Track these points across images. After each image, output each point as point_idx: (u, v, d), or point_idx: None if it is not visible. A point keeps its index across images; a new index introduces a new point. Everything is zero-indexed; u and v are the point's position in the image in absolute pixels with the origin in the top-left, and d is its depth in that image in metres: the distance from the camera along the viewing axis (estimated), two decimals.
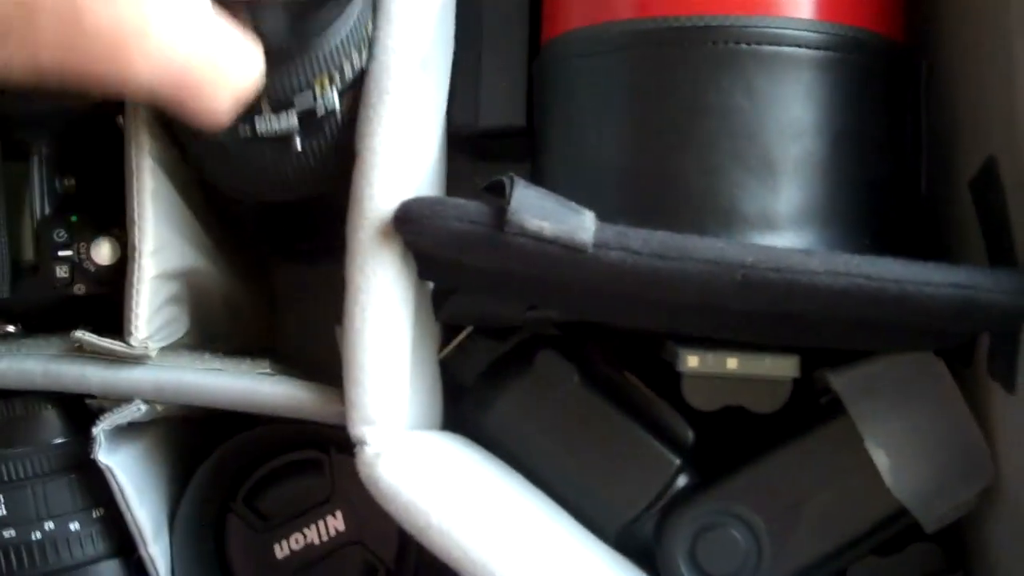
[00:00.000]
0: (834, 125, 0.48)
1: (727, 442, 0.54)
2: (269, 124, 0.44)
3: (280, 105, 0.44)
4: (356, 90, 0.46)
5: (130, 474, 0.48)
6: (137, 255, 0.47)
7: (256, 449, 0.52)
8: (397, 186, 0.44)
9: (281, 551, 0.52)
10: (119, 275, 0.49)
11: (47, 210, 0.50)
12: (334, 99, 0.45)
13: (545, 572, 0.43)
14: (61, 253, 0.49)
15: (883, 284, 0.42)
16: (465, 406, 0.54)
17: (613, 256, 0.43)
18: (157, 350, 0.48)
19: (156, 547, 0.49)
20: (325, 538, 0.52)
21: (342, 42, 0.44)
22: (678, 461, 0.52)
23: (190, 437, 0.54)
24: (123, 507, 0.48)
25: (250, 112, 0.44)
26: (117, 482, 0.47)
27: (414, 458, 0.44)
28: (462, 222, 0.43)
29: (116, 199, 0.49)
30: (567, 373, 0.52)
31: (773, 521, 0.51)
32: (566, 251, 0.43)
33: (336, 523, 0.51)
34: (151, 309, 0.48)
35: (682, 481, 0.52)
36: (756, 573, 0.51)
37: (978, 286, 0.42)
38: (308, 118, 0.45)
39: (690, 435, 0.53)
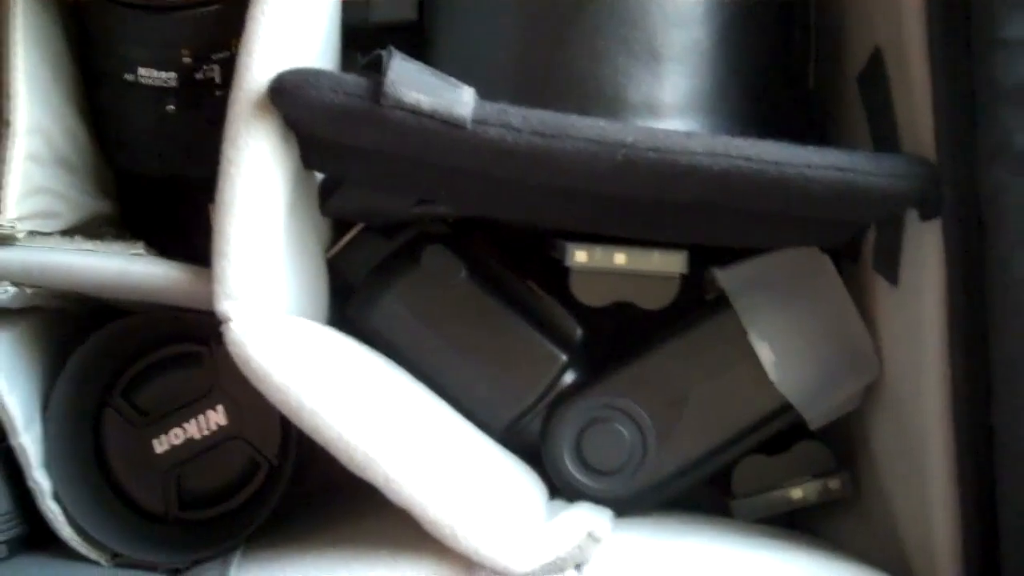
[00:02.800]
0: (721, 14, 0.47)
1: (615, 340, 0.53)
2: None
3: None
4: None
5: (1, 360, 0.46)
6: (11, 132, 0.45)
7: (133, 341, 0.50)
8: (278, 60, 0.43)
9: (160, 446, 0.50)
10: None
11: None
12: None
13: (422, 456, 0.42)
14: None
15: (763, 166, 0.42)
16: (352, 304, 0.53)
17: (492, 133, 0.42)
18: (26, 232, 0.46)
19: (28, 436, 0.48)
20: (206, 432, 0.51)
21: None
22: (564, 357, 0.52)
23: (66, 331, 0.52)
24: None
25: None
26: None
27: (287, 339, 0.43)
28: (337, 93, 0.42)
29: None
30: (454, 268, 0.52)
31: (658, 416, 0.51)
32: (444, 127, 0.42)
33: (217, 417, 0.50)
34: (22, 190, 0.46)
35: (569, 378, 0.52)
36: (641, 467, 0.51)
37: (858, 169, 0.42)
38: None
39: (578, 332, 0.53)
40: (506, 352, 0.51)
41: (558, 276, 0.51)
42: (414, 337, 0.52)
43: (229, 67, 0.47)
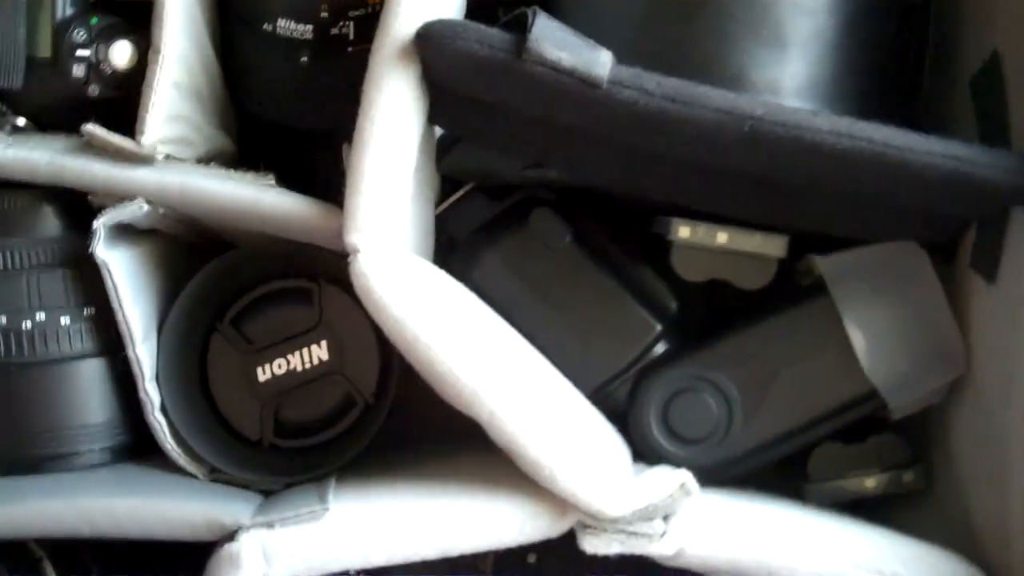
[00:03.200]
0: (847, 7, 0.49)
1: (708, 316, 0.55)
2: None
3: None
4: None
5: (125, 273, 0.49)
6: (160, 58, 0.47)
7: (247, 271, 0.52)
8: (424, 9, 0.45)
9: (263, 374, 0.52)
10: (135, 81, 0.49)
11: (68, 10, 0.50)
12: None
13: (526, 398, 0.44)
14: (79, 52, 0.50)
15: (885, 150, 0.44)
16: (455, 259, 0.55)
17: (626, 95, 0.44)
18: (164, 155, 0.48)
19: (144, 347, 0.49)
20: (308, 365, 0.52)
21: None
22: (659, 327, 0.53)
23: (181, 257, 0.54)
24: (115, 304, 0.48)
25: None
26: (112, 278, 0.48)
27: (407, 274, 0.45)
28: (482, 45, 0.44)
29: (140, 8, 0.49)
30: (560, 232, 0.53)
31: (746, 391, 0.52)
32: (581, 84, 0.44)
33: (320, 352, 0.52)
34: (164, 115, 0.48)
35: (661, 348, 0.53)
36: (724, 440, 0.52)
37: (976, 161, 0.44)
38: None
39: (673, 305, 0.54)
40: (603, 317, 0.53)
41: (657, 250, 0.52)
42: (513, 295, 0.53)
43: (364, 24, 0.50)
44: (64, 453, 0.49)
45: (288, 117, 0.55)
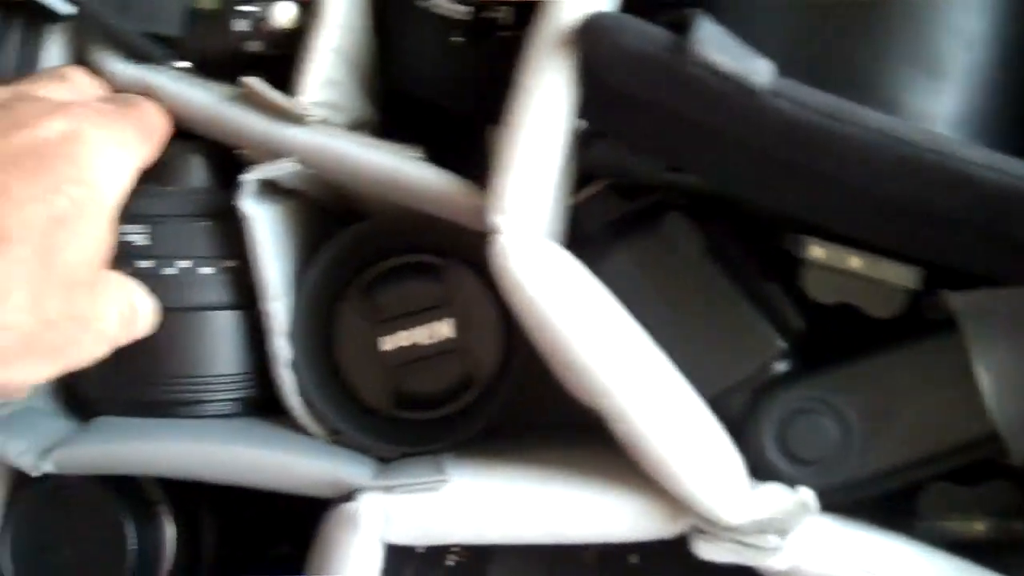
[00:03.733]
0: (1007, 43, 0.48)
1: (831, 338, 0.54)
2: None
3: None
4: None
5: (267, 229, 0.50)
6: (324, 22, 0.48)
7: (381, 241, 0.53)
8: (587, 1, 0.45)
9: (387, 344, 0.53)
10: (295, 41, 0.51)
11: None
12: None
13: (654, 395, 0.44)
14: (243, 7, 0.51)
15: None
16: (584, 253, 0.55)
17: (783, 106, 0.44)
18: (318, 117, 0.49)
19: (278, 303, 0.51)
20: (431, 341, 0.53)
21: None
22: (783, 344, 0.53)
23: (317, 221, 0.55)
24: (255, 258, 0.49)
25: None
26: (255, 233, 0.49)
27: (546, 259, 0.45)
28: (643, 42, 0.44)
29: None
30: (692, 239, 0.53)
31: (866, 418, 0.51)
32: (739, 92, 0.44)
33: (444, 329, 0.53)
34: (322, 78, 0.49)
35: (782, 366, 0.53)
36: (840, 465, 0.51)
37: None
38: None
39: (798, 324, 0.54)
40: (727, 328, 0.53)
41: (786, 267, 0.52)
42: (638, 295, 0.53)
43: (520, 10, 0.50)
44: (195, 400, 0.51)
45: (433, 94, 0.56)
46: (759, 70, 0.44)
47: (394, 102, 0.59)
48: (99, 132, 0.43)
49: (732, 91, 0.44)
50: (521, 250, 0.45)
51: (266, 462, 0.47)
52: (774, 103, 0.43)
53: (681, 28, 0.45)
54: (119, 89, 0.50)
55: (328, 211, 0.56)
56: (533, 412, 0.55)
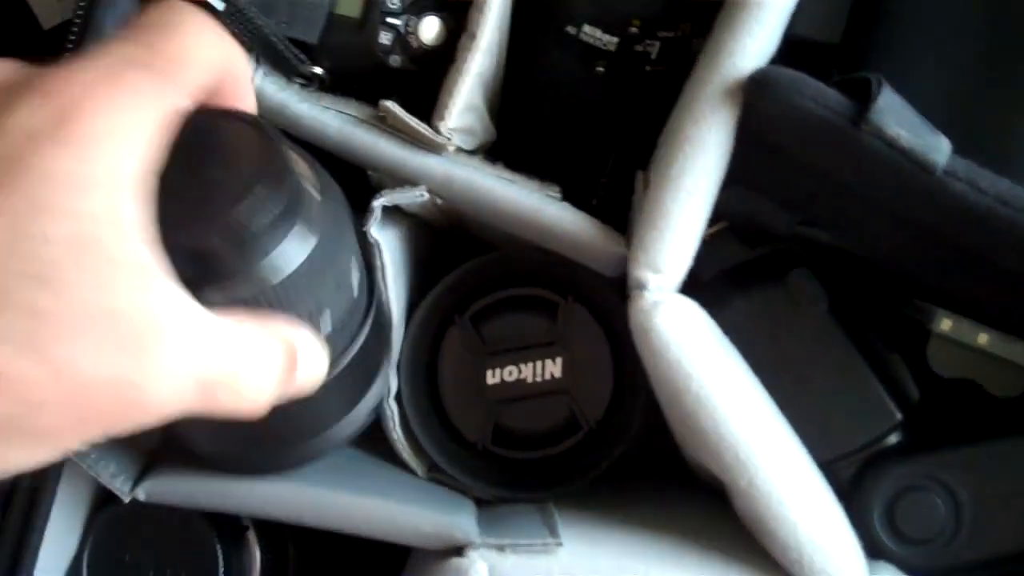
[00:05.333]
0: None
1: (948, 414, 0.53)
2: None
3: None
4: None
5: (391, 254, 0.48)
6: (473, 45, 0.46)
7: (498, 272, 0.51)
8: (760, 53, 0.43)
9: (492, 377, 0.51)
10: (437, 59, 0.48)
11: None
12: None
13: (784, 469, 0.43)
14: (389, 20, 0.49)
15: None
16: (700, 298, 0.53)
17: (957, 188, 0.42)
18: (455, 147, 0.47)
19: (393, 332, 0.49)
20: (539, 379, 0.51)
21: None
22: (899, 416, 0.51)
23: (429, 243, 0.53)
24: (380, 283, 0.47)
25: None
26: (382, 258, 0.47)
27: (688, 319, 0.44)
28: (818, 105, 0.42)
29: None
30: (816, 297, 0.52)
31: (979, 503, 0.50)
32: (913, 168, 0.42)
33: (553, 368, 0.51)
34: (464, 104, 0.47)
35: (895, 438, 0.52)
36: (947, 547, 0.50)
37: None
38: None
39: (916, 396, 0.52)
40: (842, 393, 0.51)
41: (908, 337, 0.51)
42: (752, 348, 0.52)
43: (669, 47, 0.48)
44: (312, 459, 0.46)
45: (568, 122, 0.54)
46: (939, 147, 0.42)
47: (514, 124, 0.57)
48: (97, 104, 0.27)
49: (907, 167, 0.42)
50: (665, 308, 0.43)
51: (373, 512, 0.45)
52: (949, 184, 0.42)
53: (857, 93, 0.43)
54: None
55: (434, 229, 0.54)
56: (640, 464, 0.53)
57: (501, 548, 0.43)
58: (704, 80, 0.44)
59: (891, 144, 0.42)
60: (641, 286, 0.43)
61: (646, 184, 0.45)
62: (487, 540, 0.43)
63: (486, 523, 0.46)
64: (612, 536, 0.46)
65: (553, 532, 0.44)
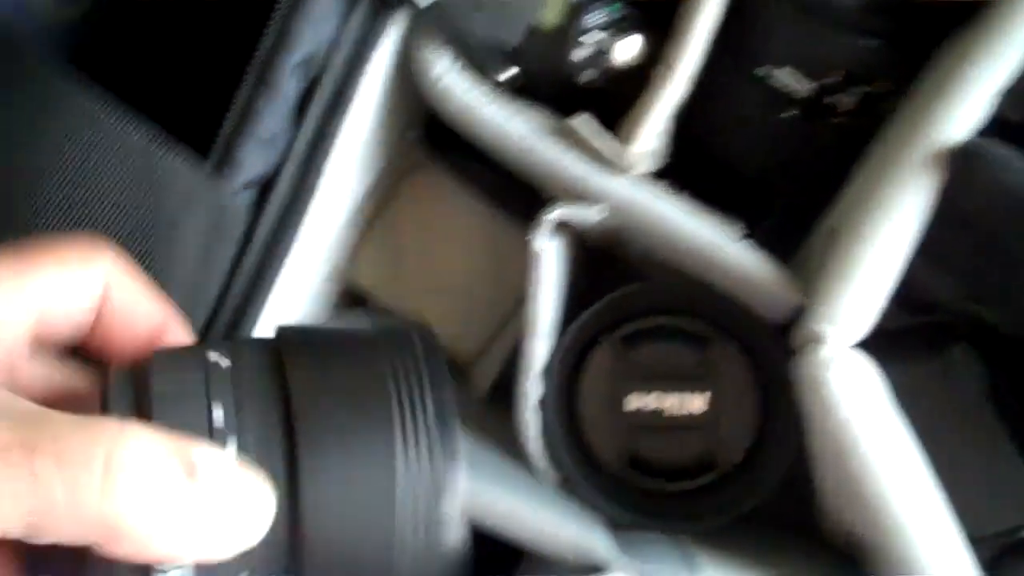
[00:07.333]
0: None
1: None
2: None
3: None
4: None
5: (551, 266, 0.48)
6: (678, 71, 0.46)
7: (656, 297, 0.51)
8: (973, 122, 0.42)
9: (633, 403, 0.51)
10: (628, 80, 0.48)
11: None
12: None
13: (939, 541, 0.42)
14: (586, 38, 0.48)
15: None
16: None
17: None
18: (640, 171, 0.47)
19: (542, 343, 0.49)
20: (680, 411, 0.51)
21: None
22: None
23: (580, 259, 0.53)
24: (535, 293, 0.47)
25: None
26: (541, 270, 0.47)
27: (863, 377, 0.43)
28: None
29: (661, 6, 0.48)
30: (977, 376, 0.50)
31: None
32: None
33: (697, 403, 0.51)
34: (658, 128, 0.47)
35: None
36: None
37: None
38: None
39: None
40: (989, 474, 0.50)
41: None
42: (905, 419, 0.51)
43: (864, 103, 0.47)
44: None
45: (740, 162, 0.53)
46: None
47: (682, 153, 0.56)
48: None
49: None
50: (843, 366, 0.42)
51: (517, 514, 0.45)
52: None
53: None
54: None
55: (586, 249, 0.54)
56: (773, 515, 0.52)
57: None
58: (908, 143, 0.43)
59: None
60: (818, 339, 0.42)
61: (832, 236, 0.44)
62: (628, 565, 0.43)
63: (619, 547, 0.45)
64: None
65: (692, 568, 0.44)
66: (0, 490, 0.24)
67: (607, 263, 0.57)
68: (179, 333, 0.33)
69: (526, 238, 0.47)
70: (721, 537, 0.49)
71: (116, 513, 0.25)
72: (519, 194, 0.55)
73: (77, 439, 0.25)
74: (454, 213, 0.57)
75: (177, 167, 0.41)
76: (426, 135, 0.56)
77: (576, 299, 0.52)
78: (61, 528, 0.25)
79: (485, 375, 0.56)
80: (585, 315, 0.50)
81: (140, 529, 0.25)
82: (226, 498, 0.26)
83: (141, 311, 0.32)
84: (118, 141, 0.40)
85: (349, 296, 0.58)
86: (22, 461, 0.25)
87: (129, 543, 0.25)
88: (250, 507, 0.27)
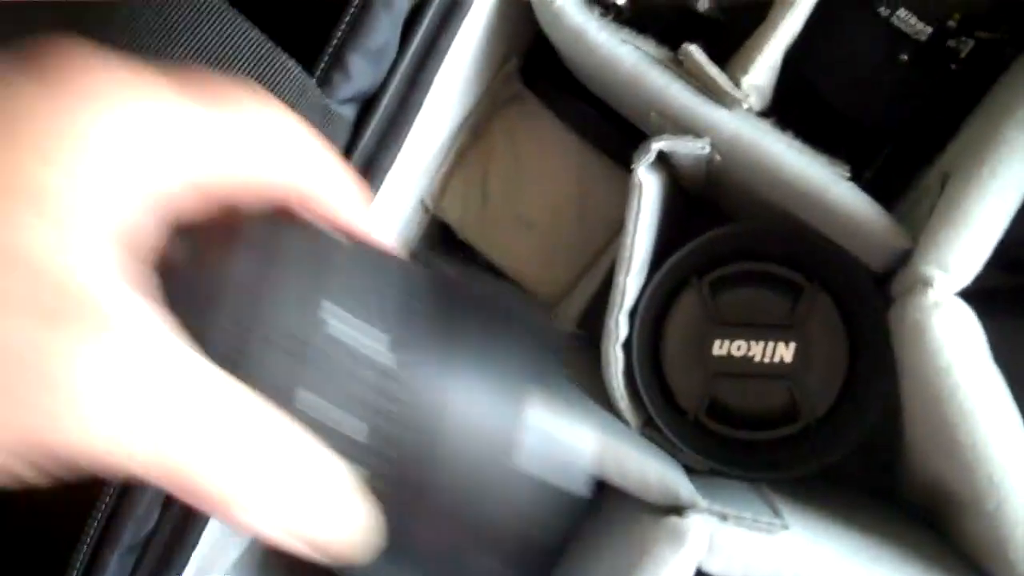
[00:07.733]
0: None
1: None
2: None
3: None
4: None
5: (649, 200, 0.47)
6: (798, 3, 0.45)
7: (750, 241, 0.50)
8: None
9: (718, 348, 0.50)
10: (743, 12, 0.47)
11: None
12: None
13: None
14: None
15: None
16: None
17: None
18: (748, 106, 0.46)
19: (632, 279, 0.48)
20: (766, 360, 0.50)
21: None
22: None
23: (676, 200, 0.52)
24: (633, 228, 0.47)
25: None
26: (640, 202, 0.46)
27: (967, 325, 0.42)
28: None
29: None
30: None
31: None
32: None
33: (784, 352, 0.50)
34: (770, 62, 0.46)
35: None
36: None
37: None
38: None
39: None
40: None
41: None
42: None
43: (982, 49, 0.46)
44: None
45: (851, 104, 0.52)
46: None
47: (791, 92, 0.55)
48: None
49: None
50: (947, 312, 0.41)
51: (606, 452, 0.44)
52: None
53: None
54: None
55: (682, 189, 0.53)
56: (856, 471, 0.52)
57: (724, 517, 0.42)
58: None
59: None
60: (926, 283, 0.42)
61: (943, 182, 0.43)
62: (712, 507, 0.42)
63: (708, 493, 0.45)
64: (829, 531, 0.44)
65: (777, 514, 0.43)
66: None
67: (699, 211, 0.56)
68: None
69: (620, 175, 0.46)
70: (797, 489, 0.49)
71: None
72: (614, 134, 0.55)
73: None
74: (547, 148, 0.56)
75: (289, 68, 0.41)
76: (526, 67, 0.56)
77: (667, 243, 0.51)
78: None
79: (570, 313, 0.55)
80: (675, 256, 0.49)
81: None
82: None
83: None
84: (231, 37, 0.40)
85: (435, 228, 0.58)
86: None
87: None
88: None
